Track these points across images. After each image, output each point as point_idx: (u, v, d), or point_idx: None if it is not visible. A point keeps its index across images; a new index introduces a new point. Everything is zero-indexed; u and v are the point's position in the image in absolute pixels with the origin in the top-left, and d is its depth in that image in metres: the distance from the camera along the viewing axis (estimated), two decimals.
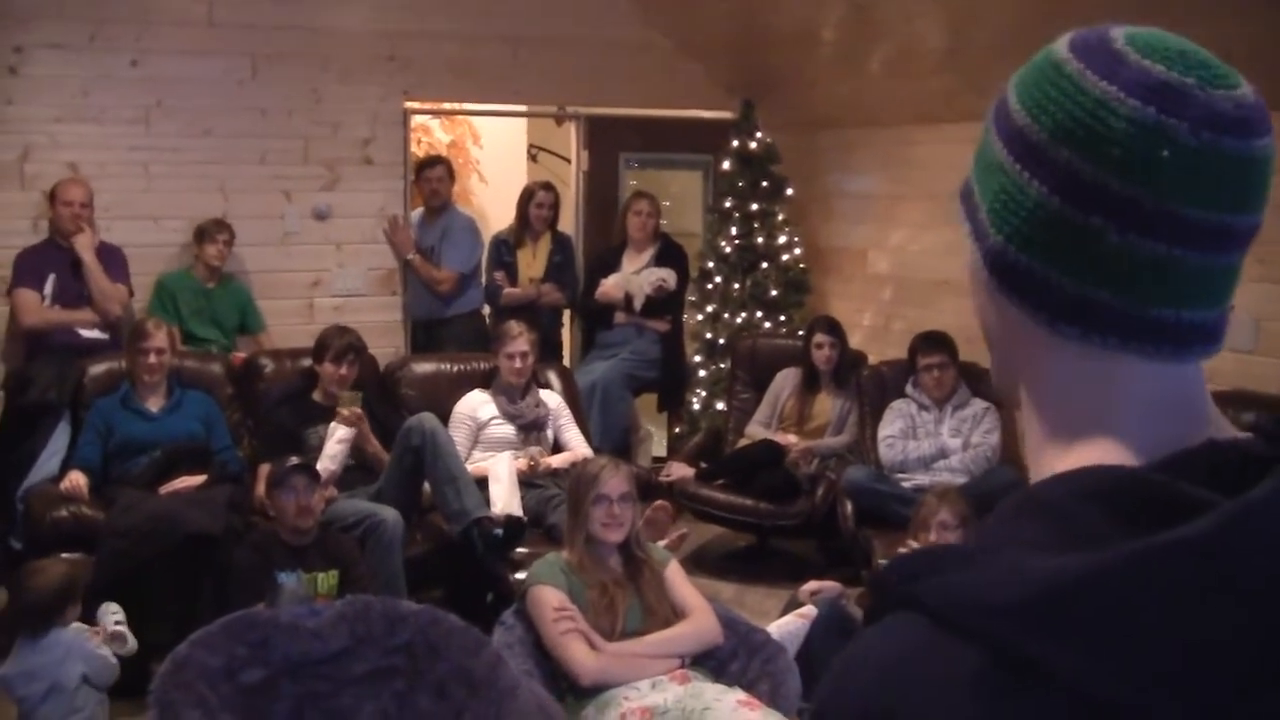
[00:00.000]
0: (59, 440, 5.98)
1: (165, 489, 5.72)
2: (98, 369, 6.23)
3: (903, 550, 5.50)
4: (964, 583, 0.84)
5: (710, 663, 4.35)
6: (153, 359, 5.99)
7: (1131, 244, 0.88)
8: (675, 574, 4.51)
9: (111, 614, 4.69)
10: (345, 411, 5.94)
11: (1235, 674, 0.76)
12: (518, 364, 6.43)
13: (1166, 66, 0.89)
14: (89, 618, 4.67)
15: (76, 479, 5.70)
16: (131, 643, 4.63)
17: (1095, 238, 0.88)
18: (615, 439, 7.61)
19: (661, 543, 5.06)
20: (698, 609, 4.40)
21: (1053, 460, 0.94)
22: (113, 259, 6.81)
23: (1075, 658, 0.77)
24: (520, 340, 6.46)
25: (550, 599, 4.23)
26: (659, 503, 5.44)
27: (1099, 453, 0.90)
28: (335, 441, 5.93)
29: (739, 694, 4.02)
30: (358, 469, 6.03)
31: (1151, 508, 0.81)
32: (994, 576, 0.82)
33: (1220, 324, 0.93)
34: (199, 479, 5.79)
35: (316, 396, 6.21)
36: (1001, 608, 0.80)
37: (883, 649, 0.89)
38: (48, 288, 6.61)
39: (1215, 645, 0.76)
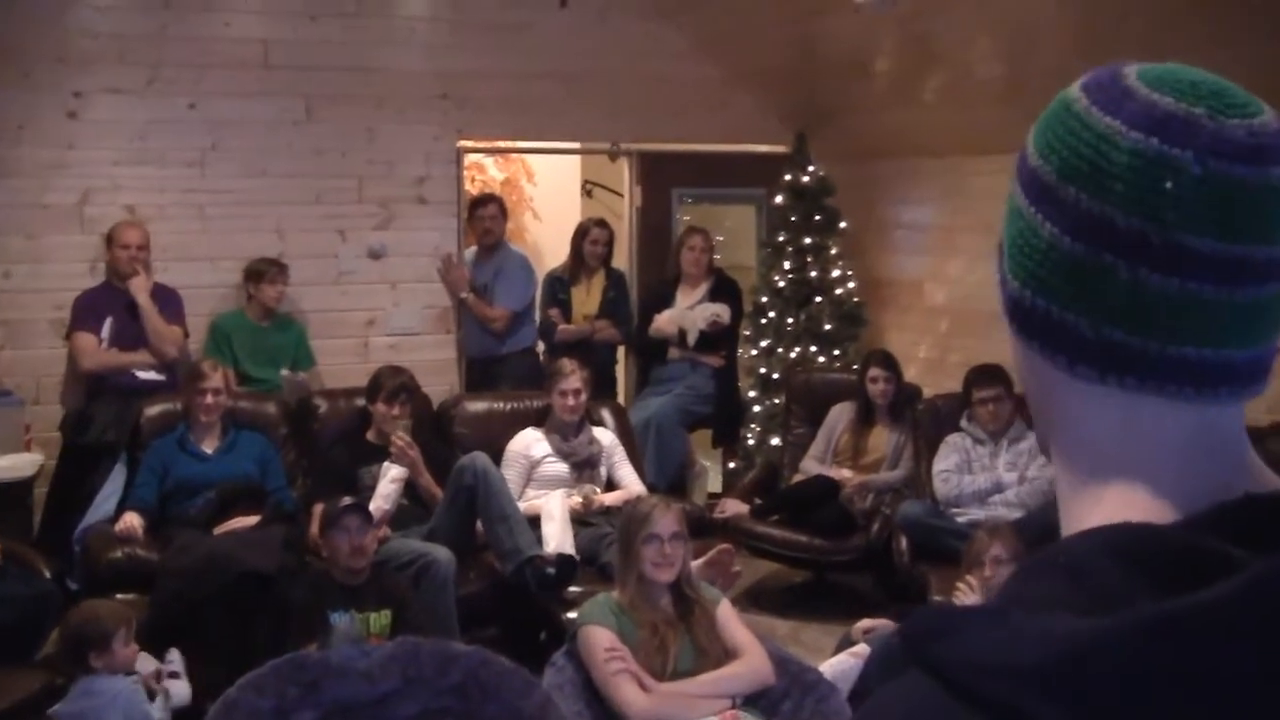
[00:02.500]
0: (116, 481, 6.03)
1: (220, 529, 5.76)
2: (154, 410, 6.29)
3: (936, 600, 5.46)
4: (978, 643, 0.81)
5: (762, 702, 4.31)
6: (209, 400, 6.05)
7: (1142, 280, 0.85)
8: (726, 613, 4.47)
9: (170, 661, 4.70)
10: (397, 439, 5.97)
11: None
12: (571, 401, 6.43)
13: (1175, 98, 0.87)
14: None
15: (131, 520, 5.75)
16: (179, 697, 4.63)
17: (1106, 276, 0.86)
18: (670, 475, 7.59)
19: (716, 582, 5.03)
20: (749, 649, 4.36)
21: (1081, 513, 0.91)
22: (168, 301, 6.87)
23: None
24: (573, 378, 6.47)
25: (601, 639, 4.21)
26: (723, 545, 5.40)
27: (1126, 504, 0.87)
28: (389, 481, 5.95)
29: None
30: (411, 507, 6.04)
31: (1177, 568, 0.78)
32: (1008, 638, 0.79)
33: (1260, 363, 0.88)
34: (254, 519, 5.82)
35: (370, 436, 6.25)
36: (1014, 670, 0.77)
37: (891, 710, 0.88)
38: (105, 330, 6.68)
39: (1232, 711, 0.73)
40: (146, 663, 4.69)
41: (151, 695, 4.58)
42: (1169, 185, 0.84)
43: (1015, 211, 0.94)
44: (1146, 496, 0.87)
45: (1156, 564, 0.79)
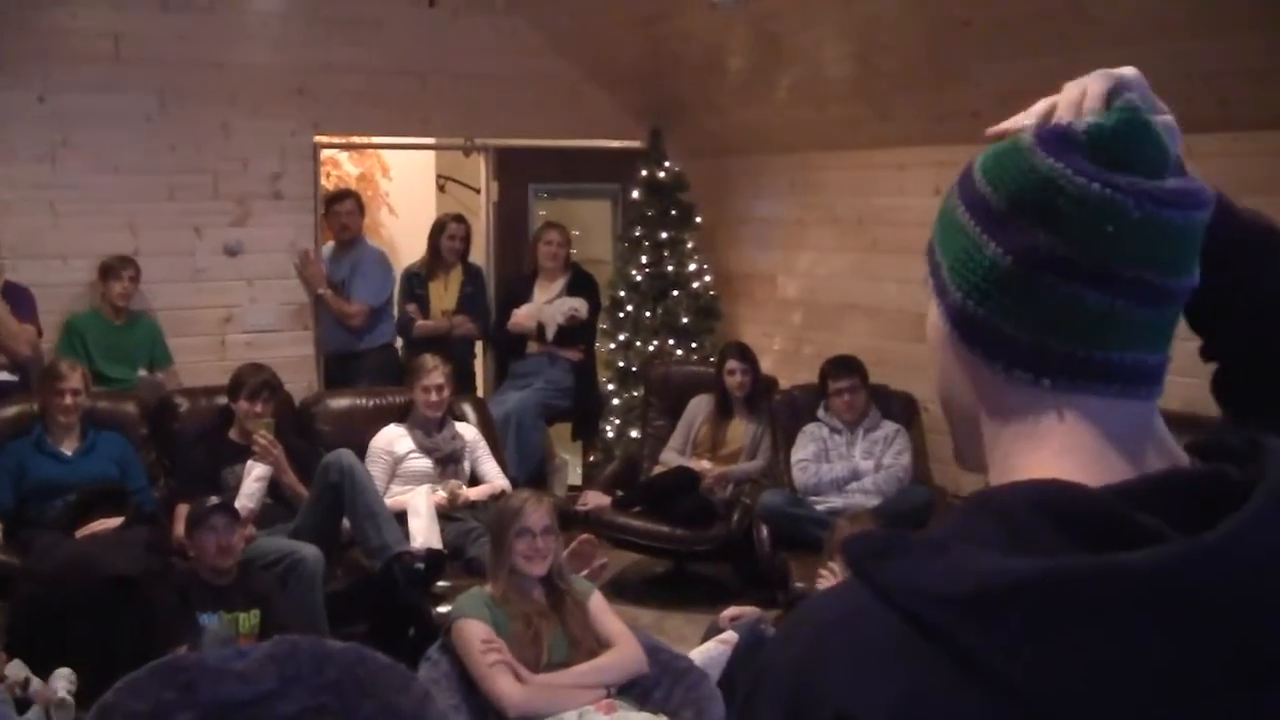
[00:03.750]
0: None
1: (82, 532, 5.68)
2: (8, 411, 6.17)
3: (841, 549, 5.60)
4: (913, 569, 0.92)
5: (634, 691, 4.39)
6: (68, 400, 5.96)
7: (1076, 296, 0.97)
8: (599, 605, 4.55)
9: (63, 679, 4.61)
10: (260, 438, 5.95)
11: (1146, 703, 0.84)
12: (434, 397, 6.47)
13: (1115, 161, 0.98)
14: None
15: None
16: (70, 712, 4.57)
17: (1044, 292, 0.97)
18: (531, 469, 7.64)
19: (582, 573, 5.11)
20: (622, 639, 4.44)
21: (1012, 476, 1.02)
22: (20, 299, 6.71)
23: (1002, 653, 0.85)
24: (436, 374, 6.50)
25: (476, 631, 4.26)
26: (584, 536, 5.49)
27: (1057, 471, 0.98)
28: (253, 479, 5.92)
29: None
30: (275, 506, 6.02)
31: (1101, 529, 0.89)
32: (941, 568, 0.90)
33: (1162, 368, 1.01)
34: (116, 521, 5.75)
35: (233, 435, 6.20)
36: (943, 598, 0.89)
37: (824, 609, 1.01)
38: None
39: (1132, 670, 0.84)
40: (18, 670, 4.61)
41: (20, 705, 4.50)
42: (1110, 229, 0.95)
43: (957, 228, 1.04)
44: (1075, 467, 0.98)
45: (1082, 522, 0.90)
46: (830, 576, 4.99)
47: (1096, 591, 0.85)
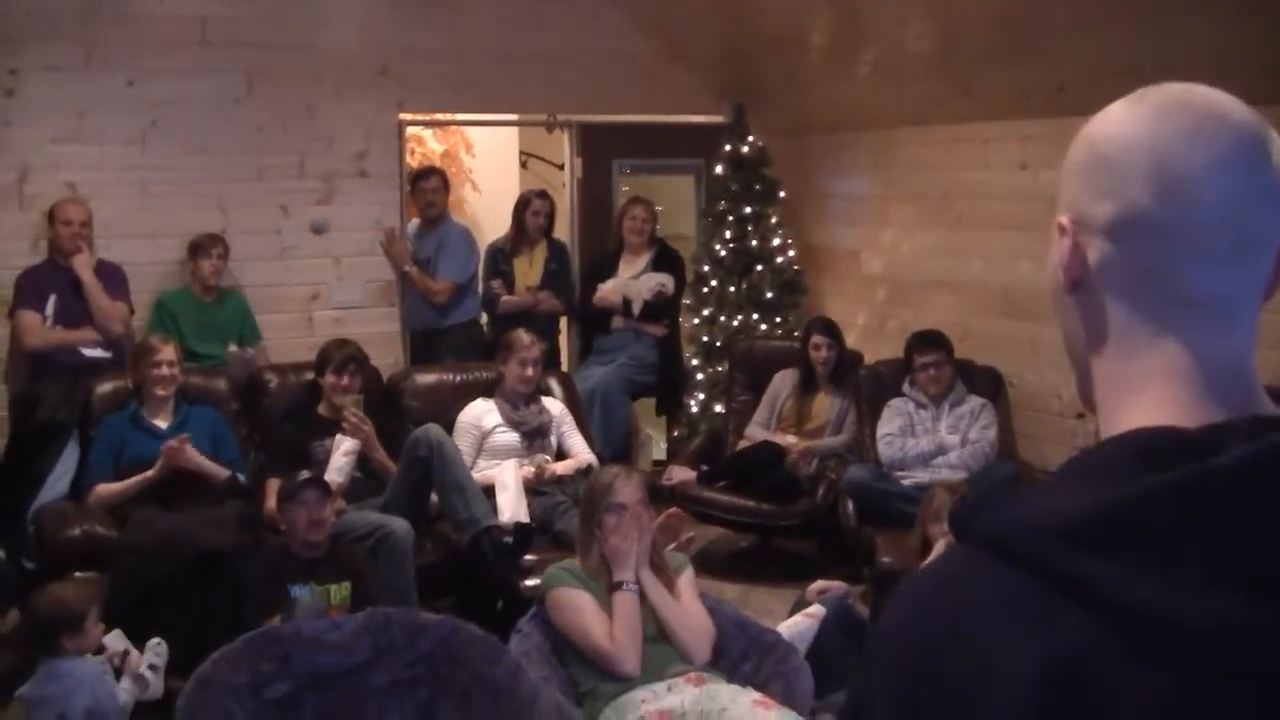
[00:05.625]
0: (68, 459, 6.01)
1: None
2: (104, 387, 6.26)
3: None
4: (1013, 513, 0.95)
5: (723, 663, 4.41)
6: (164, 371, 6.04)
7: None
8: (687, 584, 4.55)
9: (151, 650, 4.69)
10: (350, 415, 6.02)
11: (1263, 592, 0.85)
12: (529, 372, 6.51)
13: None
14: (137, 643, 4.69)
15: (104, 492, 5.78)
16: (154, 689, 4.62)
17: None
18: (616, 443, 7.67)
19: (670, 546, 5.12)
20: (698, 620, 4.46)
21: (1118, 421, 1.05)
22: (112, 277, 6.84)
23: (1114, 572, 0.87)
24: (534, 349, 6.55)
25: (573, 598, 4.29)
26: (673, 510, 5.50)
27: (1155, 415, 1.01)
28: (341, 454, 5.98)
29: (754, 694, 4.09)
30: (365, 480, 6.09)
31: (1185, 455, 0.92)
32: (1040, 507, 0.94)
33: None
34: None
35: (321, 410, 6.27)
36: (1045, 530, 0.91)
37: (933, 573, 1.04)
38: (49, 308, 6.63)
39: (1240, 565, 0.86)
40: (117, 641, 4.69)
41: (118, 674, 4.59)
42: None
43: None
44: (1171, 413, 1.00)
45: (1170, 454, 0.93)
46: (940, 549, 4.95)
47: (1190, 498, 0.88)
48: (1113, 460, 0.95)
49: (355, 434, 6.01)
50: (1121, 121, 1.05)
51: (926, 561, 1.13)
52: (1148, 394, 1.02)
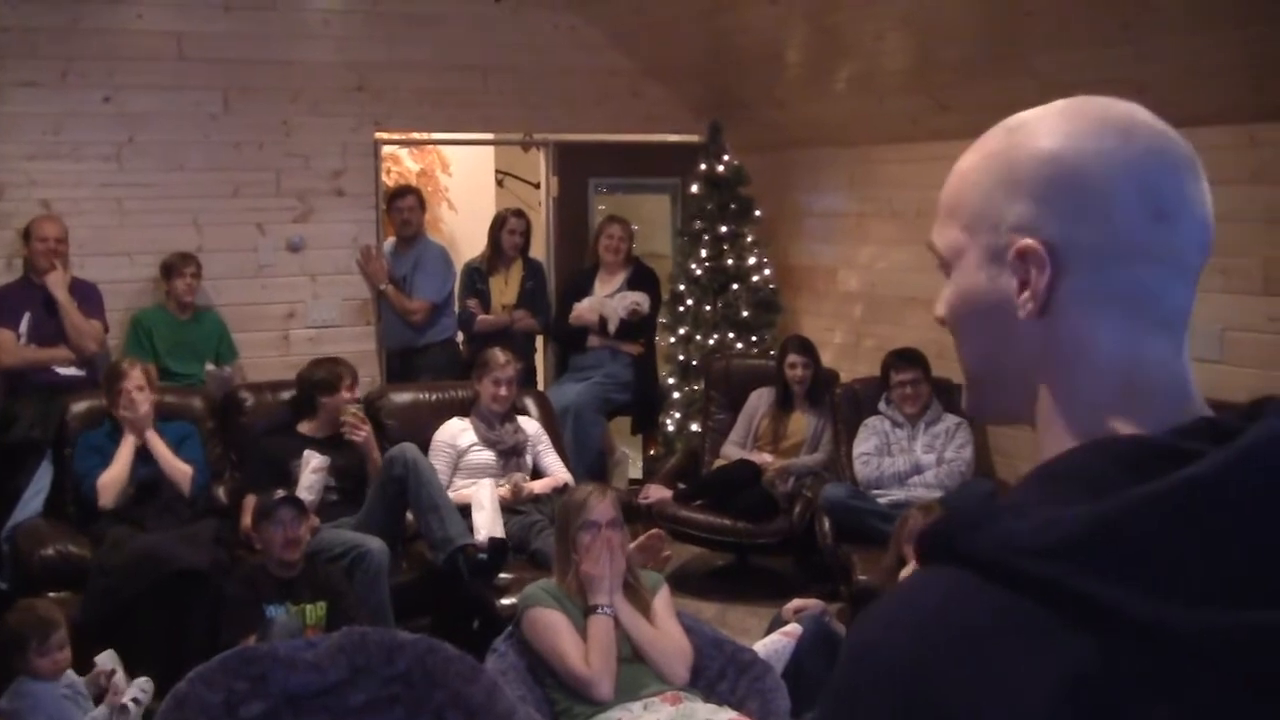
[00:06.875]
0: (43, 479, 5.99)
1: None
2: (79, 406, 6.24)
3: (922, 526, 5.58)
4: (1008, 533, 0.92)
5: (700, 682, 4.40)
6: (134, 395, 6.00)
7: None
8: (663, 601, 4.54)
9: (138, 688, 4.63)
10: (351, 417, 6.10)
11: (1263, 593, 0.85)
12: (503, 391, 6.50)
13: None
14: (83, 666, 4.65)
15: (106, 480, 5.80)
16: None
17: None
18: (589, 462, 7.65)
19: (648, 567, 5.11)
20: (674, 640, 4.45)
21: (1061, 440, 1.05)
22: (87, 295, 6.82)
23: (1117, 589, 0.86)
24: (508, 368, 6.55)
25: (550, 619, 4.28)
26: (654, 531, 5.50)
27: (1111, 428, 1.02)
28: (310, 471, 5.96)
29: (730, 713, 4.09)
30: (340, 500, 6.07)
31: (1161, 461, 0.91)
32: (1032, 525, 0.91)
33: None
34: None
35: (301, 428, 6.26)
36: (1044, 550, 0.89)
37: (919, 600, 0.98)
38: (23, 326, 6.60)
39: (1235, 570, 0.86)
40: (108, 661, 4.66)
41: (102, 694, 4.55)
42: None
43: None
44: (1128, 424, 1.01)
45: (1142, 460, 0.93)
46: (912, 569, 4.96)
47: (1180, 508, 0.87)
48: (1092, 470, 0.95)
49: (355, 434, 6.08)
50: (1082, 137, 1.03)
51: (900, 581, 1.10)
52: (1118, 408, 1.02)
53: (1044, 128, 1.06)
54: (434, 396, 6.94)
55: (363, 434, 6.11)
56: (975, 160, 1.10)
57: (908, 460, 6.59)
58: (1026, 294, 1.04)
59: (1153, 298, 1.02)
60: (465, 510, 5.92)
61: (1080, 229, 1.02)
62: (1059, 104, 1.07)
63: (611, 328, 7.91)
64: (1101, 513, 0.89)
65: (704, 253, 8.24)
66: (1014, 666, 0.88)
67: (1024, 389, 1.08)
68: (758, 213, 8.33)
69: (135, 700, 4.55)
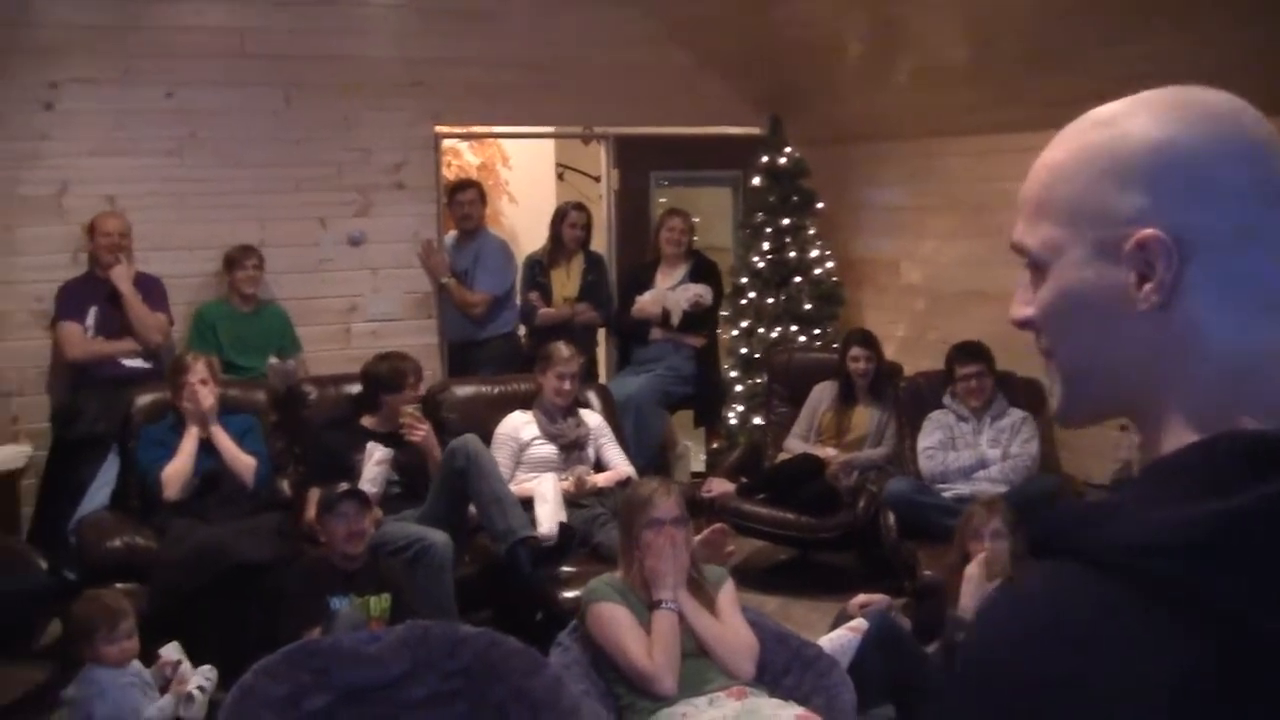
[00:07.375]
0: (109, 471, 6.03)
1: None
2: (144, 399, 6.26)
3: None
4: (1127, 529, 0.91)
5: (765, 678, 4.36)
6: (196, 387, 6.01)
7: None
8: (728, 596, 4.51)
9: (201, 675, 4.64)
10: (410, 416, 6.10)
11: None
12: (567, 385, 6.48)
13: None
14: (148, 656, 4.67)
15: (171, 472, 5.82)
16: (198, 712, 4.58)
17: None
18: (650, 455, 7.64)
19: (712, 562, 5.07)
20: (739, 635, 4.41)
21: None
22: (151, 289, 6.87)
23: (1242, 594, 0.85)
24: (572, 362, 6.52)
25: (613, 614, 4.26)
26: (718, 525, 5.45)
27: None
28: (374, 463, 5.97)
29: (796, 709, 4.04)
30: (404, 493, 6.07)
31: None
32: (1158, 523, 0.89)
33: None
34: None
35: (365, 422, 6.26)
36: (1170, 549, 0.88)
37: (1033, 595, 0.98)
38: (89, 319, 6.66)
39: None
40: (172, 652, 4.66)
41: (167, 684, 4.55)
42: None
43: None
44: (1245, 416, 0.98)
45: (1263, 457, 0.91)
46: (977, 566, 4.89)
47: None
48: (1214, 467, 0.92)
49: (413, 434, 6.08)
50: (1193, 125, 1.01)
51: (1012, 577, 1.09)
52: (1236, 400, 0.99)
53: (1149, 117, 1.04)
54: (495, 390, 6.92)
55: (420, 434, 6.10)
56: (1066, 154, 1.08)
57: (973, 454, 6.52)
58: (1150, 286, 1.01)
59: (1266, 284, 0.99)
60: (527, 504, 5.90)
61: (1197, 216, 0.99)
62: (1150, 95, 1.06)
63: (674, 320, 7.89)
64: (1230, 513, 0.86)
65: (765, 245, 8.19)
66: (1130, 666, 0.87)
67: (1132, 385, 1.05)
68: (819, 205, 8.28)
69: (200, 688, 4.55)
